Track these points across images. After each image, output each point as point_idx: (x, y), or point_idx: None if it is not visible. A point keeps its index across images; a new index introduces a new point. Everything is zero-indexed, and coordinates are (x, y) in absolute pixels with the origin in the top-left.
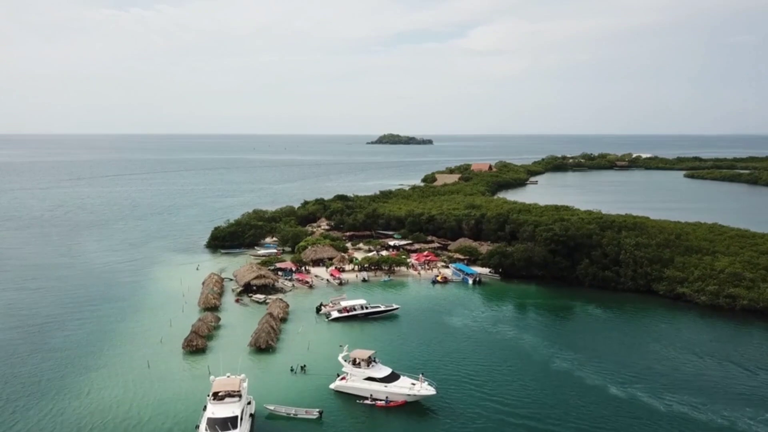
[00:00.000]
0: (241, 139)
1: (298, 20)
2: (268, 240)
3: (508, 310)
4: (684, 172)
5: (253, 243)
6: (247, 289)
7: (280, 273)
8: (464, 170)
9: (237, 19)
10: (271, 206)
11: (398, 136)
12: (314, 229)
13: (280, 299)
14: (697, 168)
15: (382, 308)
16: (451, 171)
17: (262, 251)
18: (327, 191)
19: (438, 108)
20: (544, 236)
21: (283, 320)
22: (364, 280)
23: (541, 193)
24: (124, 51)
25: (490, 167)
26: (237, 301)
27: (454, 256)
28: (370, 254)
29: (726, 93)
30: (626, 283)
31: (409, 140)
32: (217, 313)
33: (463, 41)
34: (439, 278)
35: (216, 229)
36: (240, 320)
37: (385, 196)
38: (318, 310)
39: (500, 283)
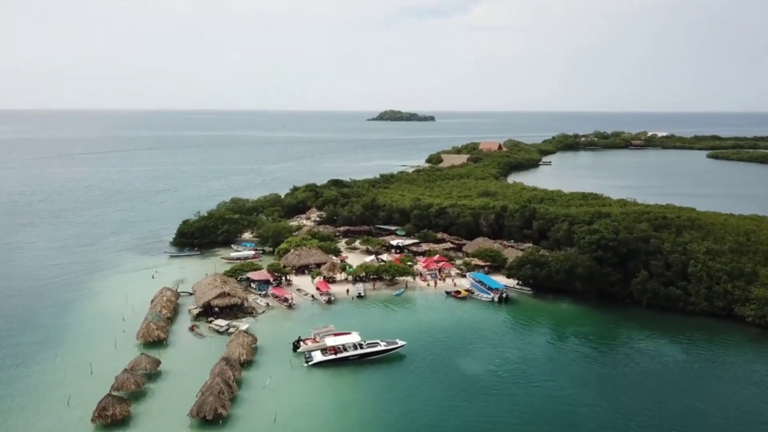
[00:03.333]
0: (238, 115)
1: None
2: (247, 236)
3: (547, 345)
4: (706, 153)
5: (228, 241)
6: (207, 311)
7: (252, 286)
8: (472, 150)
9: None
10: (260, 190)
11: (399, 112)
12: (303, 223)
13: (245, 332)
14: (718, 147)
15: (382, 346)
16: (458, 151)
17: (235, 253)
18: (323, 173)
19: (440, 84)
20: (587, 239)
21: (247, 365)
22: (359, 296)
23: (556, 175)
24: (122, 26)
25: (500, 146)
26: (192, 329)
27: (472, 262)
28: (368, 259)
29: (728, 70)
30: (699, 304)
31: (411, 117)
32: (159, 352)
33: (466, 17)
34: (454, 293)
35: (184, 223)
36: (188, 364)
37: (386, 180)
38: (295, 347)
39: (532, 300)
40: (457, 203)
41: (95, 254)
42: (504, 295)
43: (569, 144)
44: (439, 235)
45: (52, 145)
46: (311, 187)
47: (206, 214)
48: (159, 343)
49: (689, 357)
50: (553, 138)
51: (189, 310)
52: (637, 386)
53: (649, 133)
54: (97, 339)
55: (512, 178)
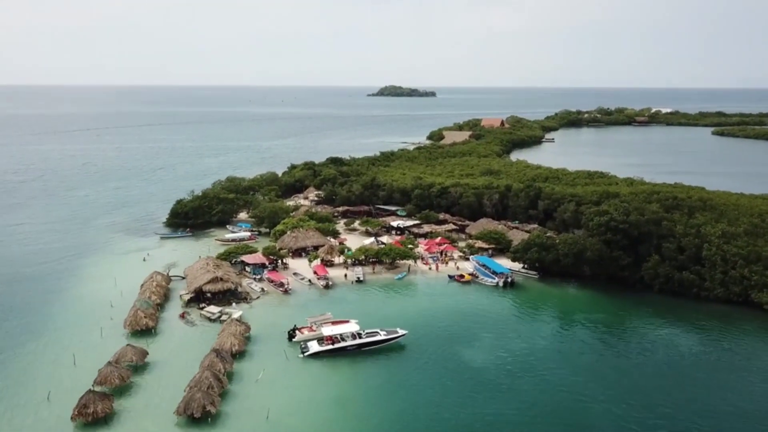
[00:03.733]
0: (237, 91)
1: None
2: (243, 216)
3: (555, 333)
4: (711, 130)
5: (223, 221)
6: (199, 296)
7: (247, 269)
8: (474, 126)
9: None
10: (258, 168)
11: (400, 88)
12: (300, 203)
13: (237, 320)
14: (723, 124)
15: (382, 336)
16: (459, 127)
17: (230, 234)
18: (321, 150)
19: (441, 60)
20: (596, 221)
21: (239, 356)
22: (358, 281)
23: (560, 153)
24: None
25: (502, 123)
26: (182, 316)
27: (476, 245)
28: (367, 242)
29: (733, 46)
30: (714, 290)
31: (412, 92)
32: (146, 342)
33: None
34: (457, 276)
35: (178, 203)
36: (177, 354)
37: (387, 158)
38: (291, 336)
39: (538, 284)
40: (459, 182)
41: (86, 236)
42: (509, 280)
43: (572, 120)
44: (441, 216)
45: (48, 121)
46: (309, 166)
47: (200, 194)
48: (147, 331)
49: (705, 347)
50: (556, 114)
51: (180, 296)
52: (652, 379)
53: (653, 110)
54: (83, 327)
55: (515, 156)
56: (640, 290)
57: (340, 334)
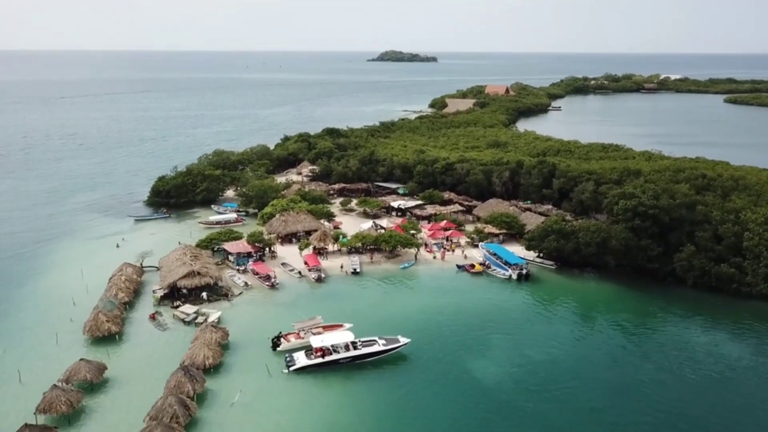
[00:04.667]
0: (235, 56)
1: None
2: (231, 194)
3: (579, 337)
4: (723, 97)
5: (208, 201)
6: (174, 293)
7: (230, 259)
8: (478, 93)
9: None
10: (251, 138)
11: (401, 53)
12: (293, 179)
13: (213, 326)
14: (734, 91)
15: (380, 347)
16: (463, 95)
17: (215, 217)
18: (319, 119)
19: (443, 24)
20: (621, 206)
21: (214, 370)
22: (354, 272)
23: (568, 122)
24: None
25: (507, 90)
26: (153, 317)
27: (485, 230)
28: (364, 226)
29: (740, 10)
30: (756, 286)
31: (413, 58)
32: (107, 352)
33: None
34: (468, 266)
35: (159, 180)
36: (142, 369)
37: (387, 129)
38: (275, 344)
39: (556, 276)
40: (466, 157)
41: (58, 217)
42: (524, 272)
43: (578, 87)
44: (446, 196)
45: (37, 87)
46: (304, 137)
47: (184, 170)
48: (110, 337)
49: (758, 355)
50: (562, 81)
51: (153, 291)
52: (702, 397)
53: (662, 76)
54: (37, 332)
55: (521, 126)
56: (671, 284)
57: (332, 346)
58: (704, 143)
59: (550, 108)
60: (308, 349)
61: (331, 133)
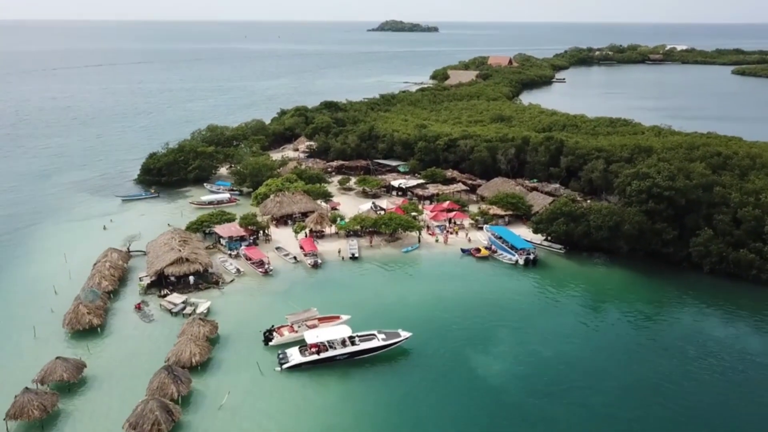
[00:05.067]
0: (233, 26)
1: None
2: (225, 172)
3: (591, 329)
4: (731, 69)
5: (200, 179)
6: (161, 280)
7: (222, 243)
8: (480, 65)
9: None
10: (247, 113)
11: (401, 23)
12: (288, 156)
13: (201, 319)
14: (742, 62)
15: (380, 341)
16: (465, 66)
17: (207, 197)
18: (317, 92)
19: None
20: (635, 186)
21: (201, 368)
22: (353, 257)
23: (573, 94)
24: None
25: (510, 61)
26: (138, 307)
27: (490, 211)
28: (363, 207)
29: None
30: None
31: (413, 27)
32: (88, 347)
33: None
34: (473, 251)
35: (150, 157)
36: (124, 366)
37: (387, 101)
38: (267, 339)
39: (565, 261)
40: (469, 133)
41: (44, 197)
42: (531, 257)
43: (582, 59)
44: (449, 174)
45: (31, 58)
46: (301, 111)
47: (176, 147)
48: (92, 330)
49: None
50: (566, 52)
51: (140, 279)
52: (723, 398)
53: (668, 47)
54: (13, 324)
55: (525, 98)
56: (686, 270)
57: (328, 341)
58: (714, 117)
59: (554, 80)
60: (302, 345)
61: (330, 106)
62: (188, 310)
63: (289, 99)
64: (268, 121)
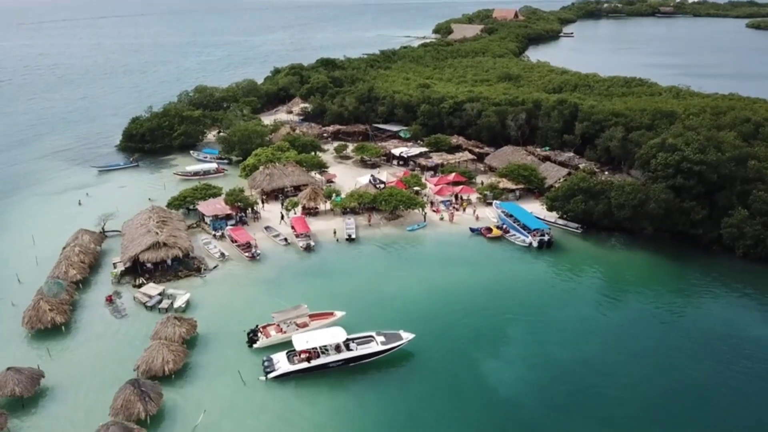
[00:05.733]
0: None
1: None
2: (213, 137)
3: (616, 326)
4: (746, 22)
5: (186, 146)
6: (136, 268)
7: (206, 221)
8: (485, 18)
9: None
10: (240, 71)
11: None
12: (281, 119)
13: (177, 318)
14: (756, 15)
15: (378, 346)
16: (469, 20)
17: (192, 167)
18: (315, 47)
19: None
20: (661, 160)
21: (173, 377)
22: (349, 239)
23: (581, 50)
24: None
25: (516, 15)
26: (110, 300)
27: (500, 184)
28: (361, 180)
29: None
30: None
31: None
32: (48, 351)
33: None
34: (483, 230)
35: (133, 122)
36: (87, 376)
37: (388, 58)
38: (251, 340)
39: (582, 243)
40: (476, 94)
41: (17, 166)
42: (546, 239)
43: (590, 11)
44: (454, 140)
45: (18, 10)
46: (296, 70)
47: (160, 110)
48: (55, 329)
49: None
50: (573, 5)
51: (113, 266)
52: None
53: None
54: None
55: (533, 54)
56: (717, 254)
57: (320, 347)
58: (732, 75)
59: (561, 34)
60: (291, 350)
61: (326, 64)
62: (165, 303)
63: (285, 55)
64: (261, 81)
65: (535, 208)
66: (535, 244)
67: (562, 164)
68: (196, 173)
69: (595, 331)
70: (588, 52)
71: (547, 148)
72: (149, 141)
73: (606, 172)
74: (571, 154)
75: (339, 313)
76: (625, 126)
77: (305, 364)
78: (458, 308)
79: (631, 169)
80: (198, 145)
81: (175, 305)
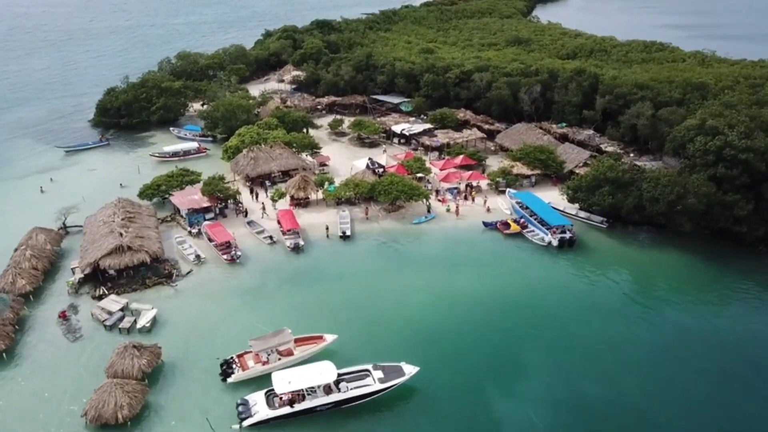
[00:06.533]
0: None
1: None
2: (197, 108)
3: (652, 354)
4: None
5: (166, 121)
6: (97, 275)
7: (181, 216)
8: None
9: None
10: (231, 33)
11: None
12: (271, 89)
13: (136, 347)
14: None
15: (375, 384)
16: None
17: (171, 147)
18: (311, 7)
19: None
20: (699, 144)
21: (129, 425)
22: (343, 236)
23: (591, 8)
24: None
25: None
26: (63, 316)
27: (514, 170)
28: (359, 164)
29: None
30: None
31: None
32: None
33: None
34: (500, 225)
35: (108, 94)
36: (21, 426)
37: (388, 19)
38: (225, 372)
39: (608, 240)
40: (485, 62)
41: None
42: (569, 237)
43: None
44: (461, 114)
45: None
46: (289, 33)
47: (138, 80)
48: None
49: None
50: None
51: (72, 271)
52: None
53: None
54: None
55: (541, 14)
56: (764, 254)
57: (305, 389)
58: (758, 37)
59: None
60: (270, 390)
61: (322, 26)
62: (126, 322)
63: (280, 15)
64: (251, 45)
65: (552, 196)
66: (555, 242)
67: (581, 144)
68: (175, 154)
69: (628, 355)
70: (600, 11)
71: (564, 124)
72: (125, 116)
73: (631, 155)
74: (591, 132)
75: (330, 337)
76: (652, 101)
77: (288, 409)
78: (468, 326)
79: (664, 155)
80: (180, 120)
81: (139, 324)
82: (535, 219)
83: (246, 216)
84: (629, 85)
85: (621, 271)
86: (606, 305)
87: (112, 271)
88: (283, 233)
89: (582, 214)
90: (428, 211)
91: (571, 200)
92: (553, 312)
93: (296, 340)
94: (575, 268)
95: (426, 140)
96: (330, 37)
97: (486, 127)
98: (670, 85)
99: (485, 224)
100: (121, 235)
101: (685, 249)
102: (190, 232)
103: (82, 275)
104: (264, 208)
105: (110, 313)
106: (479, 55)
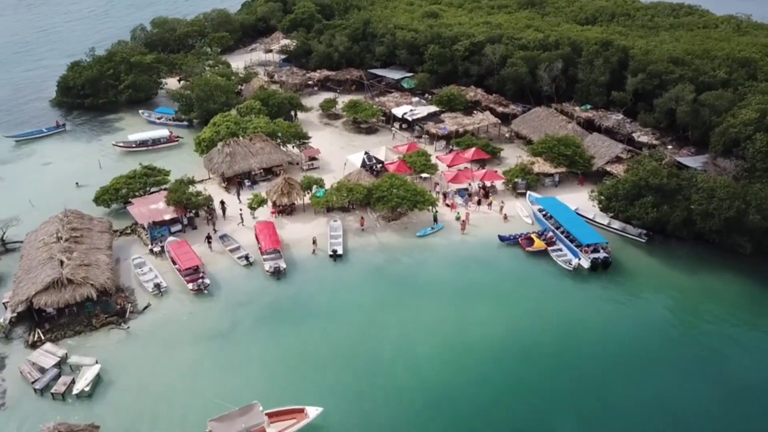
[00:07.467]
0: None
1: None
2: (172, 85)
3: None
4: None
5: (136, 101)
6: (32, 314)
7: (143, 228)
8: None
9: None
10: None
11: None
12: (257, 61)
13: (66, 429)
14: None
15: None
16: None
17: (138, 135)
18: None
19: None
20: (760, 146)
21: None
22: (334, 255)
23: None
24: None
25: None
26: None
27: (535, 167)
28: (354, 159)
29: None
30: None
31: None
32: None
33: None
34: (522, 240)
35: (71, 69)
36: None
37: None
38: None
39: (648, 260)
40: (496, 29)
41: None
42: (602, 258)
43: None
44: (471, 94)
45: None
46: None
47: (105, 54)
48: None
49: None
50: None
51: (3, 305)
52: None
53: None
54: None
55: None
56: None
57: None
58: None
59: None
60: None
61: None
62: (62, 383)
63: None
64: (236, 9)
65: (579, 200)
66: (586, 265)
67: (609, 132)
68: (142, 143)
69: (684, 422)
70: None
71: (588, 106)
72: (90, 95)
73: (669, 146)
74: (620, 116)
75: (312, 412)
76: (692, 80)
77: None
78: (484, 387)
79: (711, 150)
80: (154, 100)
81: (77, 387)
82: (560, 232)
83: (216, 230)
84: (664, 62)
85: (668, 303)
86: (653, 352)
87: (50, 309)
88: (262, 254)
89: (616, 224)
90: (435, 221)
91: (604, 209)
92: (588, 364)
93: (271, 415)
94: (612, 300)
95: (432, 127)
96: (323, 1)
97: (500, 109)
98: (711, 62)
99: (501, 238)
100: (61, 263)
101: (747, 274)
102: (151, 249)
103: (14, 314)
104: (242, 217)
105: (42, 370)
106: (489, 20)
